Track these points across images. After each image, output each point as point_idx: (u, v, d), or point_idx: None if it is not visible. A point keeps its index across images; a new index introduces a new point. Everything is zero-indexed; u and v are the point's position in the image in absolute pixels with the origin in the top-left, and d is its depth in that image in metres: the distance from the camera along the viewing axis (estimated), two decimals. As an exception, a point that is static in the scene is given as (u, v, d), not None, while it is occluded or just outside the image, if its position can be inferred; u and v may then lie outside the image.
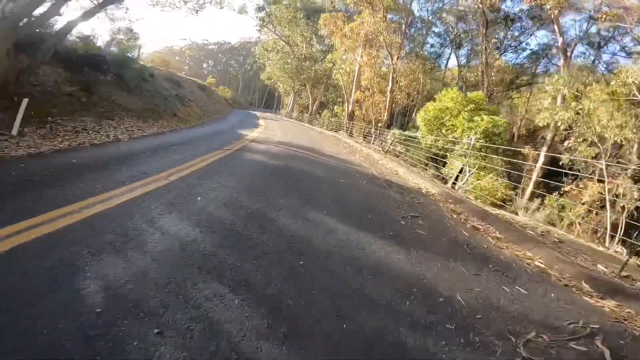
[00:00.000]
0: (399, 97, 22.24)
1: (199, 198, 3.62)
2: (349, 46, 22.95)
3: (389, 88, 20.83)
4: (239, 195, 4.04)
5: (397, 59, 20.93)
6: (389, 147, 15.29)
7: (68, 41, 10.94)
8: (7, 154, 5.30)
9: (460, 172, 9.65)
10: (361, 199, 4.98)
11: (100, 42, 16.20)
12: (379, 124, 21.18)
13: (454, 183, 9.66)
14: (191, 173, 4.77)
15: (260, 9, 37.92)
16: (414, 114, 32.62)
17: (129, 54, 15.79)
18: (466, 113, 9.81)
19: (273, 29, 37.10)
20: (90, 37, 13.84)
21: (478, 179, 10.33)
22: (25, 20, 6.62)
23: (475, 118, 9.56)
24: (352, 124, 21.93)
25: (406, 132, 19.50)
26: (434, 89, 32.26)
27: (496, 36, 26.42)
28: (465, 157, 10.42)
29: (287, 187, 4.82)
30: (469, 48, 35.88)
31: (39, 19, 6.94)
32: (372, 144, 18.10)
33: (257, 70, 50.66)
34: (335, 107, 31.09)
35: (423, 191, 6.87)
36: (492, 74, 23.63)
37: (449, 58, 36.98)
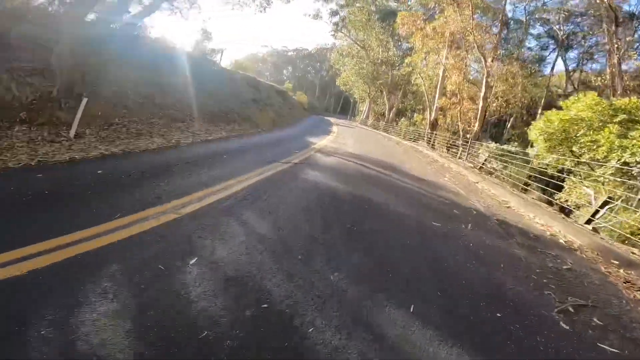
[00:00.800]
0: (494, 104, 18.66)
1: (193, 260, 2.13)
2: (432, 47, 20.19)
3: (481, 94, 17.52)
4: (262, 257, 2.41)
5: (491, 60, 17.56)
6: (482, 164, 12.42)
7: (143, 41, 11.15)
8: (48, 159, 4.71)
9: (603, 205, 6.67)
10: (473, 266, 2.95)
11: (179, 44, 16.80)
12: (468, 135, 17.99)
13: (590, 219, 6.74)
14: (217, 202, 3.39)
15: (334, 13, 37.18)
16: (508, 124, 27.84)
17: (208, 56, 15.99)
18: (616, 126, 6.77)
19: (347, 34, 35.88)
20: (165, 37, 14.25)
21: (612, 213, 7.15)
22: (90, 16, 6.30)
23: (632, 134, 6.50)
24: (435, 134, 19.12)
25: (505, 147, 16.02)
26: (536, 96, 27.08)
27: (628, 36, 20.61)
28: (603, 185, 7.29)
29: (347, 239, 3.04)
30: (582, 50, 29.61)
31: (106, 14, 6.55)
32: (460, 158, 15.21)
33: (333, 76, 50.11)
34: (415, 115, 28.21)
35: (560, 240, 4.45)
36: (626, 78, 18.29)
37: (555, 61, 31.14)
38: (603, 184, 7.14)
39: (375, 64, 33.40)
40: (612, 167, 6.67)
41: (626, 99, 7.80)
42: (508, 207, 5.94)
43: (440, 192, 5.95)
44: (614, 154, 6.61)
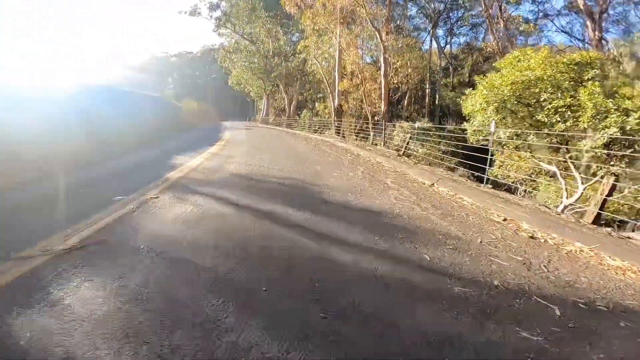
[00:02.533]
0: (394, 81, 17.03)
1: None
2: (324, 26, 17.51)
3: (381, 72, 15.63)
4: None
5: (386, 34, 15.76)
6: (405, 149, 10.08)
7: None
8: None
9: (611, 192, 4.53)
10: None
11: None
12: (376, 117, 15.95)
13: (599, 213, 4.55)
14: None
15: (214, 7, 31.70)
16: (404, 102, 27.63)
17: None
18: (596, 85, 4.68)
19: (232, 28, 31.11)
20: None
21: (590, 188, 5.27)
22: None
23: (622, 92, 4.52)
24: (341, 121, 16.59)
25: (418, 124, 14.29)
26: (422, 73, 27.32)
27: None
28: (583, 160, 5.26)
29: None
30: (447, 27, 31.50)
31: None
32: (375, 144, 12.83)
33: (226, 78, 44.35)
34: (316, 104, 25.52)
35: None
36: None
37: (431, 40, 32.08)
38: (602, 159, 5.03)
39: (266, 56, 29.59)
40: (608, 137, 4.55)
41: (586, 52, 6.02)
42: (531, 235, 3.08)
43: (427, 249, 2.69)
44: (610, 120, 4.49)
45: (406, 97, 25.74)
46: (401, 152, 10.01)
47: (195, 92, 59.68)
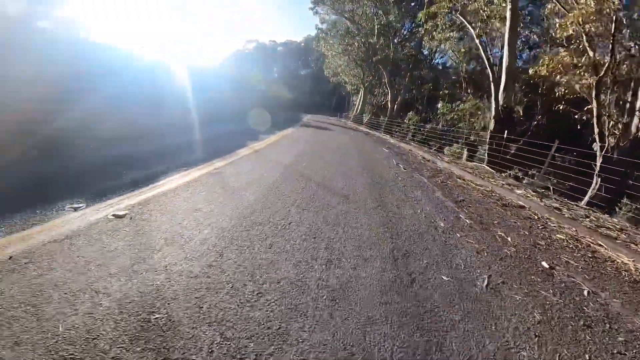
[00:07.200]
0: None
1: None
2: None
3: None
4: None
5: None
6: None
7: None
8: None
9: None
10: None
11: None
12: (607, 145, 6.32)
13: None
14: None
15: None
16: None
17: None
18: None
19: (331, 5, 23.60)
20: None
21: None
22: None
23: None
24: (509, 140, 7.41)
25: None
26: None
27: None
28: None
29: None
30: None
31: None
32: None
33: (321, 68, 37.78)
34: (440, 104, 16.00)
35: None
36: None
37: None
38: None
39: (368, 37, 21.41)
40: None
41: None
42: None
43: None
44: None
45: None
46: None
47: (295, 82, 55.40)
